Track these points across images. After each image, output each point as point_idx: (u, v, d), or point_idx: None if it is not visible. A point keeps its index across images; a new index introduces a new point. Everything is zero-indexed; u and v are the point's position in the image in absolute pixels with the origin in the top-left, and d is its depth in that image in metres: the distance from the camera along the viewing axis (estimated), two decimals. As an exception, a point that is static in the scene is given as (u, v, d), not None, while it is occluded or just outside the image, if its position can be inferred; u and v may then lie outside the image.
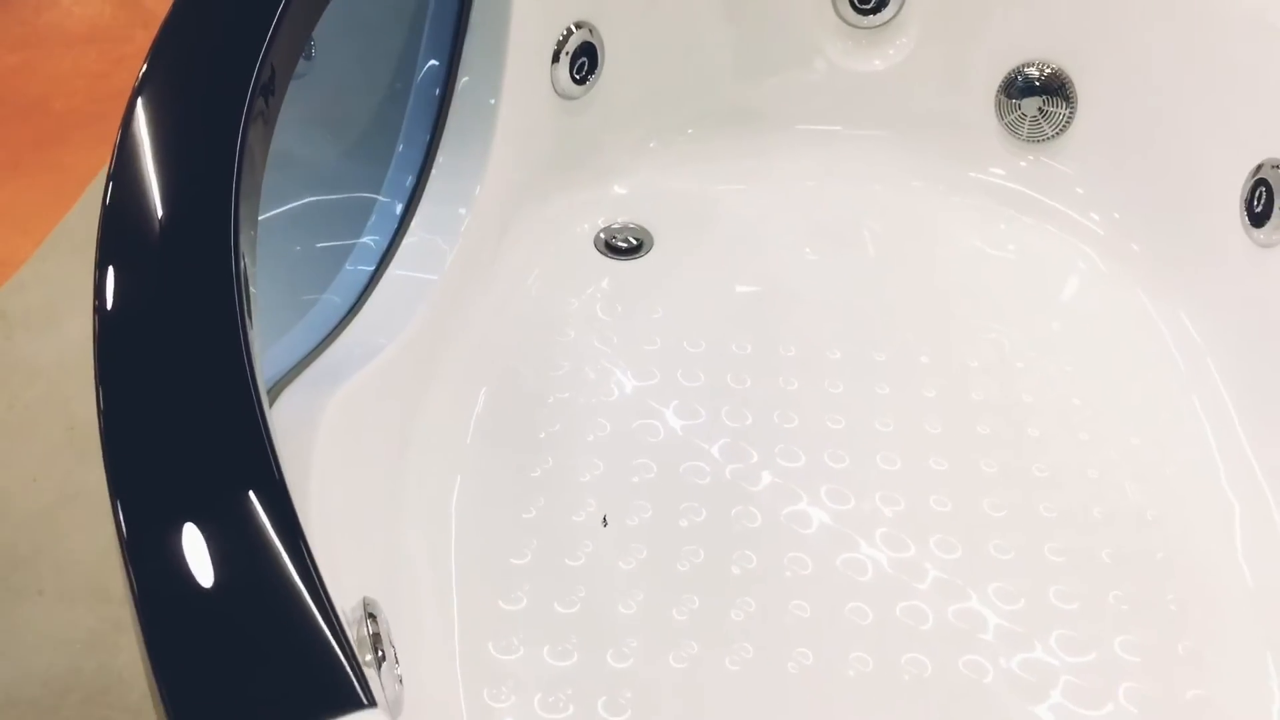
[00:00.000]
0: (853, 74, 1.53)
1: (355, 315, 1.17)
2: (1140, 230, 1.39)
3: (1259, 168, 1.25)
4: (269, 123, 0.94)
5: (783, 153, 1.53)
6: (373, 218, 1.31)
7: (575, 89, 1.43)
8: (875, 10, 1.50)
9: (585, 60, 1.42)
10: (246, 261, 0.82)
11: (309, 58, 1.17)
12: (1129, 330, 1.34)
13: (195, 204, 0.83)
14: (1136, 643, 1.05)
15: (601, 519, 1.14)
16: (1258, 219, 1.24)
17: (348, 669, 0.59)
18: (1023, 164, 1.50)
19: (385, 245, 1.28)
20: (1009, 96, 1.49)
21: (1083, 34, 1.44)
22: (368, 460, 1.05)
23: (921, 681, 1.02)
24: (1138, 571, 1.11)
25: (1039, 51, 1.47)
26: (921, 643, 1.05)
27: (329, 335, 1.13)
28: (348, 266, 1.26)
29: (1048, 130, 1.48)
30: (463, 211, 1.29)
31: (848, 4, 1.50)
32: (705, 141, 1.53)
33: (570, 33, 1.39)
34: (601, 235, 1.44)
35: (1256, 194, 1.25)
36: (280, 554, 0.64)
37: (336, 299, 1.23)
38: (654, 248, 1.44)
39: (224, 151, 0.86)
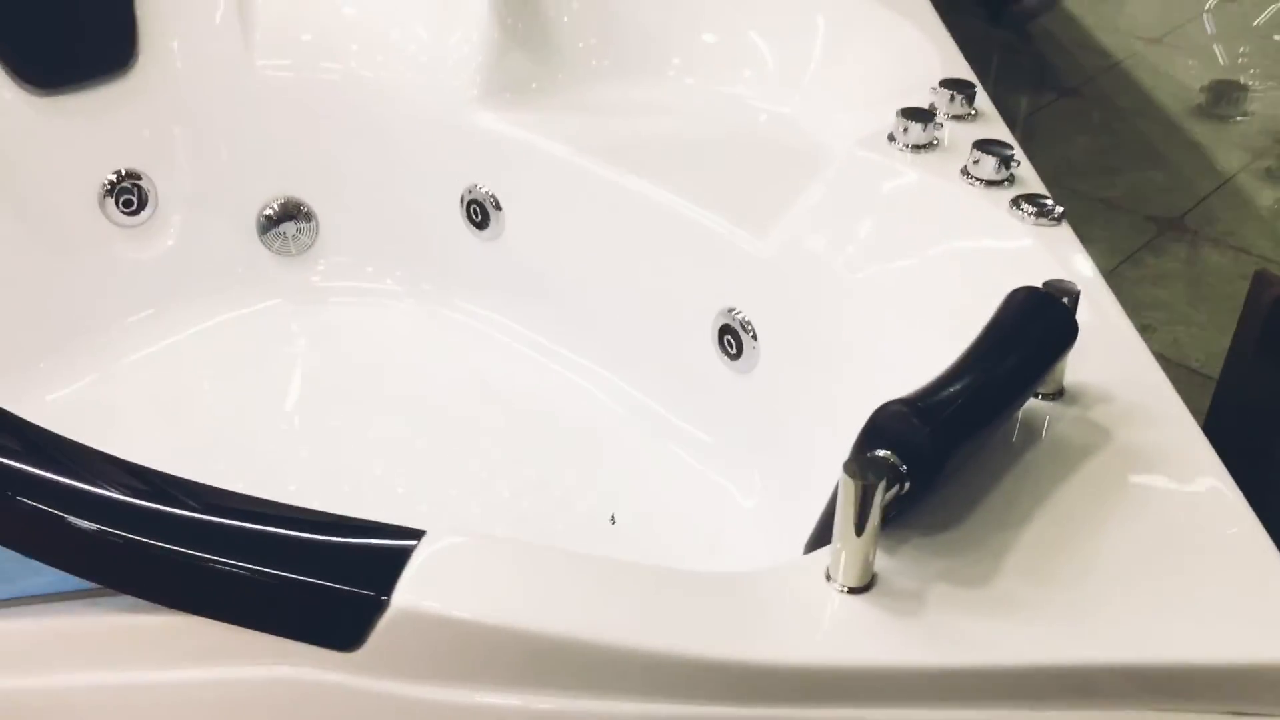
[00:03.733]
0: (154, 260, 1.84)
1: None
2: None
3: (471, 189, 1.85)
4: None
5: (123, 350, 1.80)
6: None
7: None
8: (139, 211, 1.84)
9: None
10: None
11: None
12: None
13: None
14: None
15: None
16: (480, 227, 1.85)
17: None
18: (322, 267, 1.96)
19: None
20: (267, 231, 1.93)
21: (292, 167, 1.92)
22: None
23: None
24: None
25: (269, 193, 1.92)
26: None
27: None
28: None
29: (308, 241, 1.95)
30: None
31: (118, 212, 1.81)
32: (55, 367, 1.74)
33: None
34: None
35: (472, 211, 1.85)
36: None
37: None
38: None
39: None
